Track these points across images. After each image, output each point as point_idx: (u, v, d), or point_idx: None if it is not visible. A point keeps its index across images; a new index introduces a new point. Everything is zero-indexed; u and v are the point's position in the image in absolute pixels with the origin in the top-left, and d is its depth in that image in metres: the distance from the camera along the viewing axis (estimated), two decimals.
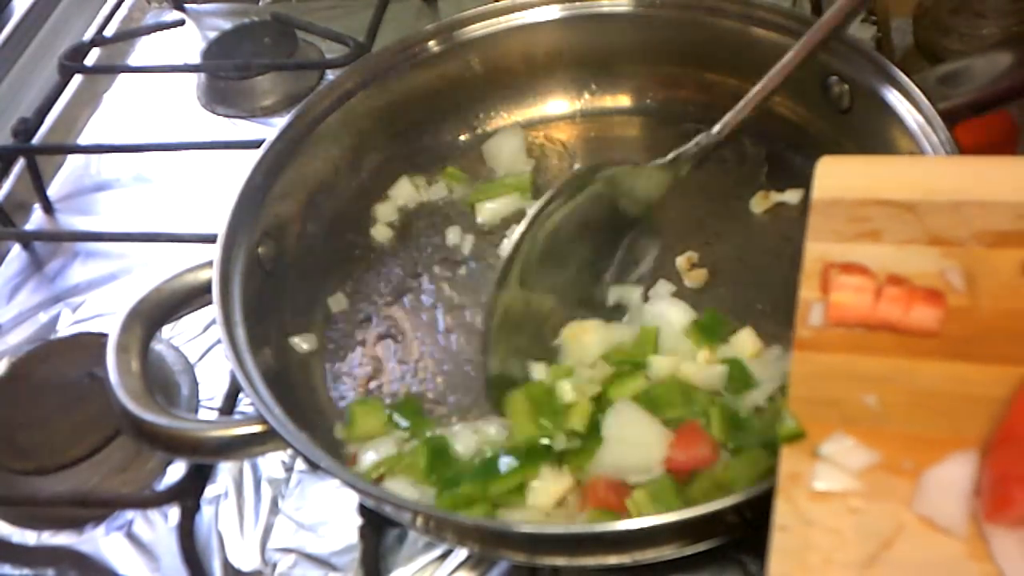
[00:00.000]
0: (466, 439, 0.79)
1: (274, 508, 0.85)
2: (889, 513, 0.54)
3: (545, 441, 0.76)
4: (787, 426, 0.58)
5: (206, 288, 0.82)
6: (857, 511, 0.54)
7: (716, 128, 0.90)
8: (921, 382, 0.59)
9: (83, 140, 1.30)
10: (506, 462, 0.75)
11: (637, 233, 0.93)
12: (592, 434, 0.76)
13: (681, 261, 0.92)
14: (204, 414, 0.94)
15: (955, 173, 0.69)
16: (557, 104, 1.09)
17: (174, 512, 0.84)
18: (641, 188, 0.92)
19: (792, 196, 0.95)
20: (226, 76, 1.31)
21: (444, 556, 0.79)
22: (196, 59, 1.35)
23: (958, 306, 0.62)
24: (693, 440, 0.75)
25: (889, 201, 0.69)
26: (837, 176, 0.72)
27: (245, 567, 0.81)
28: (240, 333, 0.80)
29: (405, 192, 1.04)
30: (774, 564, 0.53)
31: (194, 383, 0.96)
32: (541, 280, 0.88)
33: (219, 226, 0.86)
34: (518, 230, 0.87)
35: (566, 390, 0.79)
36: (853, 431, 0.57)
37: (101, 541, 0.85)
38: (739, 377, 0.80)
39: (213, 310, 0.80)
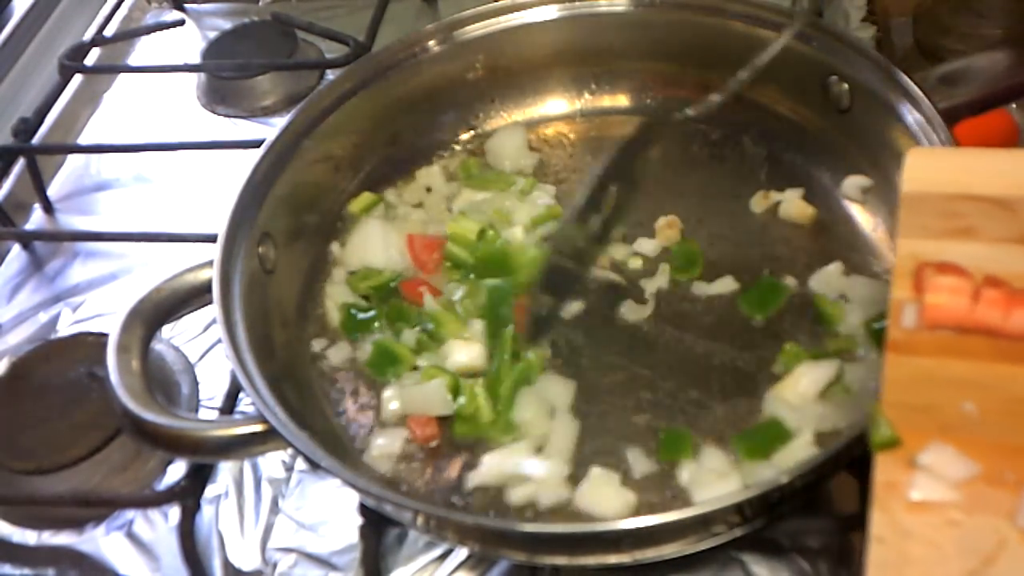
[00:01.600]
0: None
1: (274, 508, 0.85)
2: (991, 527, 0.52)
3: None
4: (882, 433, 0.56)
5: (206, 288, 0.82)
6: (957, 524, 0.52)
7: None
8: (1020, 389, 0.57)
9: (83, 140, 1.30)
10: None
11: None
12: None
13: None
14: (204, 414, 0.94)
15: None
16: (557, 104, 1.09)
17: (174, 512, 0.84)
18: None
19: (792, 195, 0.95)
20: (226, 76, 1.31)
21: (444, 556, 0.79)
22: (196, 59, 1.35)
23: None
24: None
25: (982, 196, 0.66)
26: (926, 169, 0.70)
27: (245, 567, 0.81)
28: (240, 333, 0.80)
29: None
30: None
31: (194, 383, 0.96)
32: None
33: (219, 226, 0.86)
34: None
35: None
36: (951, 439, 0.55)
37: (101, 541, 0.85)
38: None
39: (213, 310, 0.80)
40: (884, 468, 0.55)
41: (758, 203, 0.96)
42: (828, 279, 0.88)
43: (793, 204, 0.94)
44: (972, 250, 0.64)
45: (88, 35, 1.43)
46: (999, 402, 0.57)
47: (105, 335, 0.80)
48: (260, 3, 1.49)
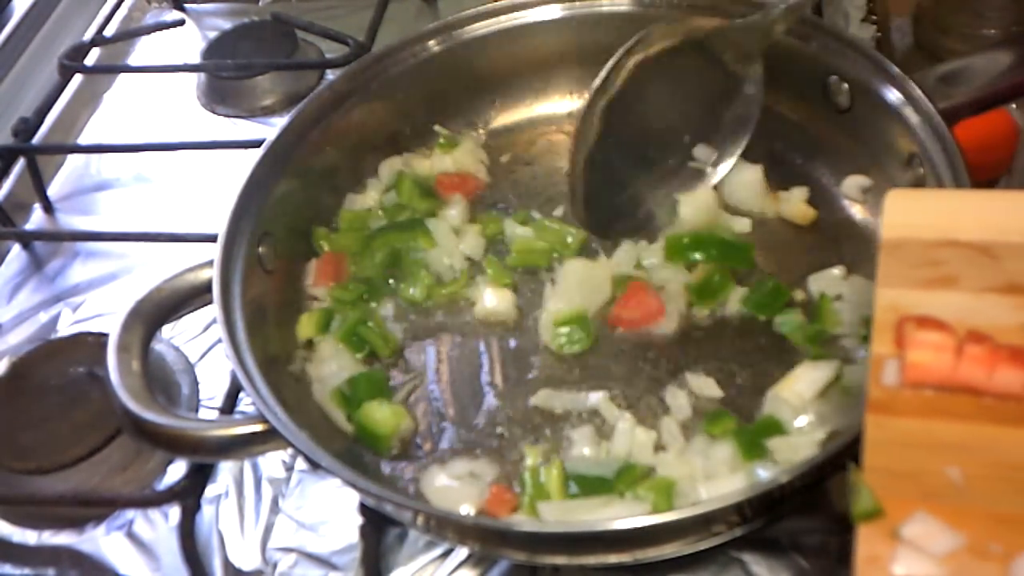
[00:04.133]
0: None
1: (275, 507, 0.85)
2: None
3: None
4: (864, 503, 0.54)
5: (206, 288, 0.82)
6: None
7: None
8: (1007, 453, 0.55)
9: (83, 140, 1.31)
10: None
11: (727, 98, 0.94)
12: None
13: None
14: (205, 414, 0.94)
15: None
16: (558, 103, 1.09)
17: (175, 511, 0.84)
18: (732, 50, 0.92)
19: (798, 195, 0.95)
20: (226, 76, 1.31)
21: (445, 555, 0.79)
22: (196, 59, 1.35)
23: None
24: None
25: (964, 243, 0.63)
26: (907, 213, 0.66)
27: (246, 566, 0.82)
28: (240, 333, 0.80)
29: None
30: None
31: (194, 382, 0.96)
32: (622, 130, 0.92)
33: (219, 226, 0.86)
34: (602, 72, 0.90)
35: None
36: (935, 509, 0.53)
37: (102, 540, 0.85)
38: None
39: (213, 309, 0.80)
40: (866, 541, 0.53)
41: (763, 203, 0.95)
42: (827, 280, 0.88)
43: (795, 204, 0.94)
44: (954, 300, 0.61)
45: (88, 35, 1.44)
46: (985, 467, 0.54)
47: (105, 335, 0.80)
48: (260, 3, 1.49)
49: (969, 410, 0.57)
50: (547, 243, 0.95)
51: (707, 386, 0.83)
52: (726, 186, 0.96)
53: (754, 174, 0.95)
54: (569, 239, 0.95)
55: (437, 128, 1.06)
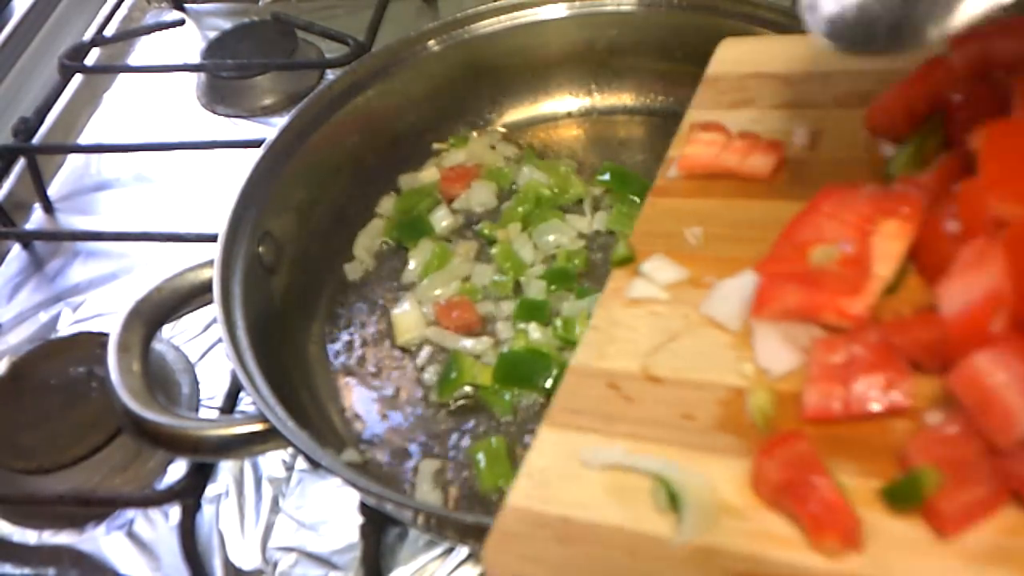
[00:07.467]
0: None
1: (275, 507, 0.85)
2: (682, 315, 0.64)
3: None
4: (619, 252, 0.69)
5: (207, 287, 0.82)
6: (657, 314, 0.64)
7: None
8: (742, 216, 0.68)
9: (83, 140, 1.30)
10: None
11: None
12: None
13: None
14: (205, 413, 0.94)
15: None
16: (559, 103, 1.09)
17: (175, 511, 0.84)
18: None
19: None
20: (226, 76, 1.31)
21: (445, 554, 0.79)
22: (196, 59, 1.36)
23: (797, 157, 0.72)
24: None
25: (767, 74, 0.78)
26: (733, 54, 0.80)
27: (246, 566, 0.81)
28: (240, 332, 0.80)
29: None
30: (578, 354, 0.64)
31: (195, 382, 0.96)
32: None
33: (219, 225, 0.86)
34: None
35: None
36: (673, 255, 0.67)
37: (102, 540, 0.85)
38: None
39: (214, 309, 0.80)
40: (615, 279, 0.68)
41: None
42: None
43: None
44: (746, 115, 0.75)
45: (88, 35, 1.44)
46: (720, 227, 0.69)
47: (105, 335, 0.80)
48: (260, 3, 1.49)
49: (724, 190, 0.72)
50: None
51: None
52: None
53: None
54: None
55: (436, 146, 1.07)
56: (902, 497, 0.50)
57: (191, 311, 0.85)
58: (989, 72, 0.64)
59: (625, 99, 1.09)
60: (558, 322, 0.87)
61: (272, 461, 0.88)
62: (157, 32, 1.45)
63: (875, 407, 0.54)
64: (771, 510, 0.52)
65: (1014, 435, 0.48)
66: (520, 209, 0.98)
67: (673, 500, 0.53)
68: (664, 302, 0.65)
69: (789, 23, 0.93)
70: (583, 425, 0.59)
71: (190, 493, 0.84)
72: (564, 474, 0.57)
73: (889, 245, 0.59)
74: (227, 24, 1.42)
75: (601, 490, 0.55)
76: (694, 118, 0.76)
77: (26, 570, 0.85)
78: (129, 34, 1.45)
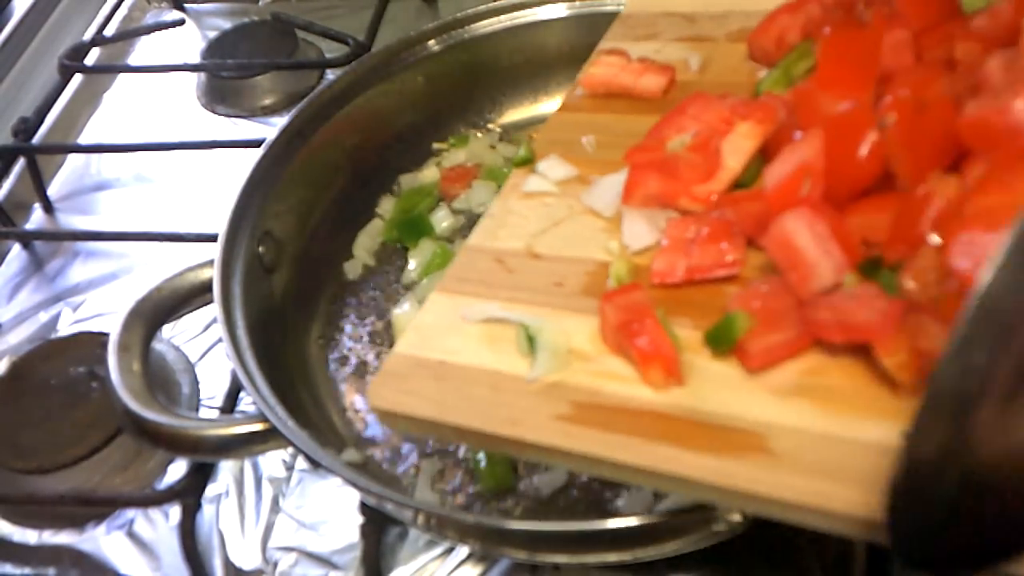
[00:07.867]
0: None
1: (275, 507, 0.85)
2: (567, 205, 0.72)
3: None
4: (520, 154, 0.77)
5: (207, 287, 0.82)
6: (547, 205, 0.73)
7: None
8: (632, 127, 0.75)
9: (83, 140, 1.31)
10: None
11: None
12: None
13: None
14: (205, 413, 0.94)
15: None
16: (559, 103, 1.09)
17: (175, 511, 0.85)
18: None
19: None
20: (226, 76, 1.31)
21: (445, 554, 0.80)
22: (196, 59, 1.36)
23: (687, 80, 0.80)
24: None
25: (676, 12, 0.87)
26: None
27: (246, 566, 0.82)
28: (240, 332, 0.80)
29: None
30: (473, 236, 0.72)
31: (195, 382, 0.96)
32: None
33: (220, 225, 0.86)
34: None
35: None
36: (567, 157, 0.76)
37: (102, 540, 0.85)
38: None
39: (214, 309, 0.80)
40: (514, 175, 0.76)
41: None
42: None
43: None
44: (649, 46, 0.84)
45: (88, 35, 1.44)
46: (611, 136, 0.77)
47: (105, 335, 0.80)
48: (260, 3, 1.49)
49: (620, 106, 0.80)
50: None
51: None
52: None
53: None
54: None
55: (436, 146, 1.07)
56: (718, 338, 0.58)
57: (191, 311, 0.85)
58: (854, 4, 0.72)
59: None
60: None
61: (272, 461, 0.88)
62: (157, 32, 1.45)
63: (709, 274, 0.63)
64: (615, 355, 0.61)
65: (814, 286, 0.56)
66: None
67: (531, 343, 0.62)
68: (554, 195, 0.74)
69: None
70: (468, 291, 0.68)
71: (190, 493, 0.84)
72: (446, 327, 0.65)
73: (741, 142, 0.67)
74: (227, 24, 1.42)
75: (475, 340, 0.64)
76: (602, 47, 0.84)
77: (26, 570, 0.85)
78: (129, 34, 1.45)
